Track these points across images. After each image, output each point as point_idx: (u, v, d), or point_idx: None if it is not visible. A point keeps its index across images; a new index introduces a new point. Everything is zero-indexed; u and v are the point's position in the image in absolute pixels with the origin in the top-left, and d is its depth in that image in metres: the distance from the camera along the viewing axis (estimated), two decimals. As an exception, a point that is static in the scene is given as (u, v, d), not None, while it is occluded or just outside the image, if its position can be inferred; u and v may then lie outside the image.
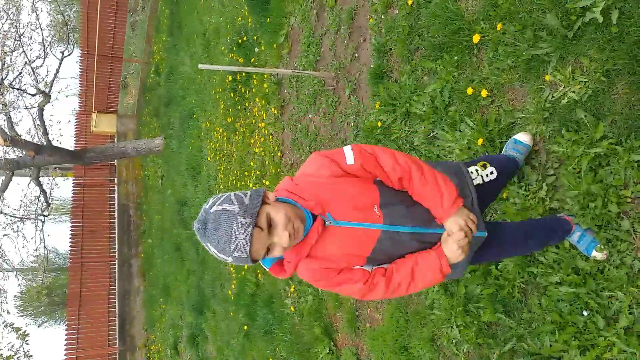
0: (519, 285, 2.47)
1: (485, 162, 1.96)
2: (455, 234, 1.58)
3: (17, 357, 7.37)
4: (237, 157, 6.84)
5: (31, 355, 7.48)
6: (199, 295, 7.80)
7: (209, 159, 7.94)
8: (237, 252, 1.42)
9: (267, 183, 5.74)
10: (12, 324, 7.97)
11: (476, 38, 2.75)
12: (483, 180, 1.90)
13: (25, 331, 7.52)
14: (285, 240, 1.46)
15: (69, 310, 12.23)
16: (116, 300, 12.73)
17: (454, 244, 1.58)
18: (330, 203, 1.56)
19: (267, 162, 5.82)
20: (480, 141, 2.68)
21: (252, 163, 6.30)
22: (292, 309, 4.89)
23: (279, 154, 5.54)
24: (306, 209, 1.55)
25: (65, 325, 12.15)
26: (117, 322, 12.51)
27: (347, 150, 1.61)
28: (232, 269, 6.65)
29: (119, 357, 12.15)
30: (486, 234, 1.71)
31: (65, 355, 11.65)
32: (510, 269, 2.48)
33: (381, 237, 1.58)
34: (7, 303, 9.23)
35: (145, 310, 12.17)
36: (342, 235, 1.57)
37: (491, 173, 1.93)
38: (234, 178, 6.85)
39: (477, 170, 1.90)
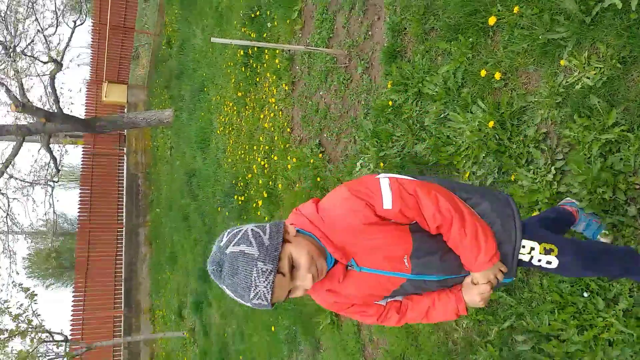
0: (522, 266, 2.52)
1: (552, 247, 1.60)
2: (481, 286, 1.49)
3: (26, 316, 7.59)
4: (246, 131, 6.88)
5: (39, 314, 7.71)
6: (205, 263, 7.93)
7: (218, 132, 7.98)
8: (257, 299, 1.31)
9: (275, 158, 5.79)
10: (21, 284, 8.19)
11: (492, 20, 2.75)
12: (530, 261, 1.60)
13: (33, 291, 7.74)
14: (309, 284, 1.37)
15: (77, 274, 12.51)
16: (122, 266, 12.96)
17: (476, 296, 1.51)
18: (356, 250, 1.44)
19: (276, 138, 5.86)
20: (491, 124, 2.70)
21: (261, 138, 6.33)
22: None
23: (289, 129, 5.57)
24: (330, 253, 1.45)
25: (73, 288, 12.44)
26: (123, 287, 12.76)
27: (385, 189, 1.42)
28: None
29: (124, 321, 12.43)
30: (513, 279, 1.63)
31: (72, 316, 11.96)
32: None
33: (405, 283, 1.51)
34: (16, 264, 9.44)
35: (151, 277, 12.40)
36: (363, 279, 1.48)
37: (548, 263, 1.60)
38: (242, 152, 6.90)
39: (532, 249, 1.58)
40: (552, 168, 2.37)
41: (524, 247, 1.56)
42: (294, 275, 1.37)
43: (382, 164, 3.67)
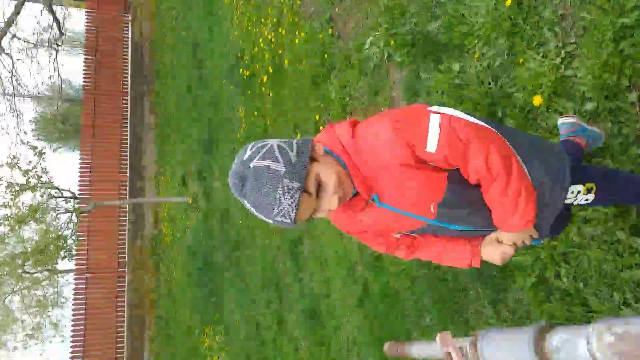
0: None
1: (593, 185, 1.53)
2: (505, 247, 1.41)
3: (35, 172, 7.83)
4: (254, 1, 6.60)
5: (48, 171, 7.95)
6: (209, 134, 8.09)
7: (225, 0, 7.66)
8: (280, 217, 1.25)
9: (283, 32, 5.62)
10: (29, 142, 8.39)
11: None
12: (571, 203, 1.56)
13: (42, 149, 7.93)
14: (335, 205, 1.31)
15: (83, 137, 12.75)
16: (128, 133, 13.14)
17: (498, 255, 1.43)
18: (383, 187, 1.34)
19: (284, 10, 5.63)
20: (508, 2, 2.60)
21: (269, 9, 6.09)
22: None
23: (298, 2, 5.34)
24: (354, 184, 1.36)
25: (79, 152, 12.77)
26: (128, 154, 13.05)
27: (433, 129, 1.27)
28: (242, 115, 6.80)
29: (130, 184, 12.92)
30: (541, 242, 1.58)
31: (80, 176, 12.41)
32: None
33: (425, 227, 1.44)
34: (23, 124, 9.56)
35: (156, 145, 12.67)
36: (382, 214, 1.41)
37: (586, 200, 1.55)
38: (249, 24, 6.68)
39: (578, 192, 1.51)
40: (563, 52, 2.33)
41: (571, 192, 1.48)
42: (320, 196, 1.31)
43: (392, 42, 3.58)
